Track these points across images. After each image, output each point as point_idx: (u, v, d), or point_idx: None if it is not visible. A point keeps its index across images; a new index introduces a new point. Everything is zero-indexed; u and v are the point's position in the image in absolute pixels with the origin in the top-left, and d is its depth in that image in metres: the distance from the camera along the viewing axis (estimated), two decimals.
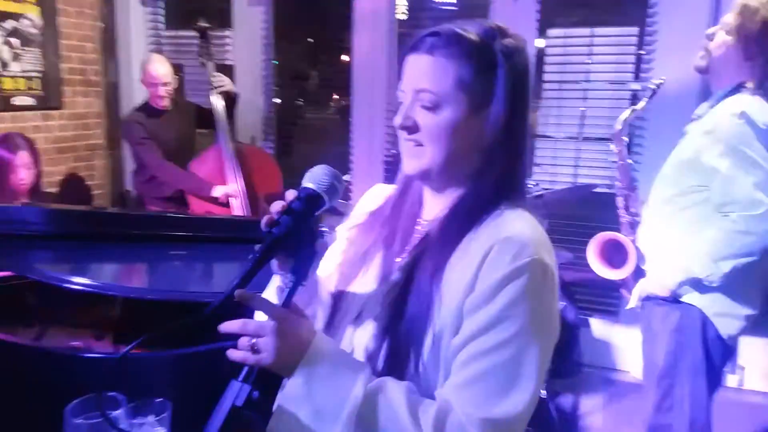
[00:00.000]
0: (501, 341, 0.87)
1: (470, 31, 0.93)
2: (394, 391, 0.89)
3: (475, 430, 0.84)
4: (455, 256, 0.93)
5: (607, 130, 3.07)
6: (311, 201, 0.94)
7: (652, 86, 2.22)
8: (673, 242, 1.95)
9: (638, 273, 2.14)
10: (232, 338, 0.91)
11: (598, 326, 3.45)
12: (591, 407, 3.05)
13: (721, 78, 1.92)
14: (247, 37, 4.08)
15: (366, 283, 1.04)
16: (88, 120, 4.17)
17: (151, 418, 0.99)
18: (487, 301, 0.88)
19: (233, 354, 0.89)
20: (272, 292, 1.06)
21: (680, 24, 3.09)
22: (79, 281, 1.64)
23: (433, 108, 0.93)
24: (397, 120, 0.96)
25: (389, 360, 0.95)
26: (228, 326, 0.89)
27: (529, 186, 3.27)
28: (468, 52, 0.92)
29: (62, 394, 1.01)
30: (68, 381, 1.68)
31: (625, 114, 2.31)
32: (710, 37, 1.92)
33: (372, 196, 1.16)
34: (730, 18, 1.88)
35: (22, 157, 2.94)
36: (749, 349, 3.12)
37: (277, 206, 0.94)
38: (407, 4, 3.86)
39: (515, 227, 0.92)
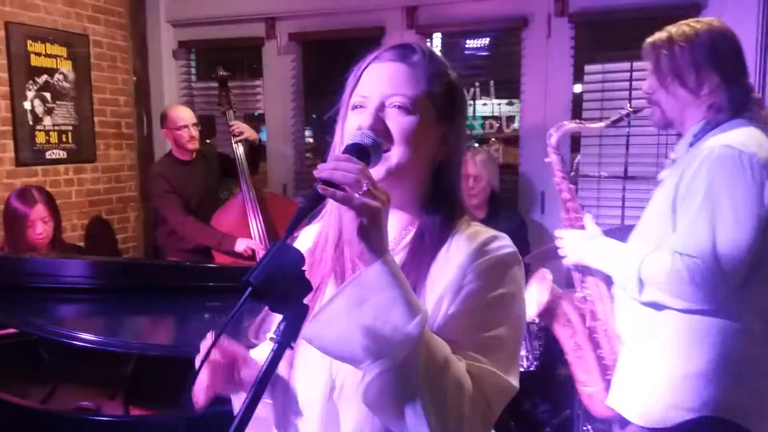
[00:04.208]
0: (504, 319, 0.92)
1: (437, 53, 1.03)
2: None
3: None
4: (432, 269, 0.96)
5: (654, 168, 2.91)
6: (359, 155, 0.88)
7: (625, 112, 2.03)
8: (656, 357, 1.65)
9: None
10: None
11: None
12: None
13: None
14: (277, 87, 4.07)
15: None
16: (121, 173, 4.18)
17: None
18: (489, 278, 0.92)
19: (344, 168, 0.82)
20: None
21: None
22: (83, 337, 1.53)
23: (406, 111, 0.95)
24: (365, 122, 0.95)
25: None
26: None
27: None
28: (437, 71, 0.99)
29: None
30: None
31: (569, 124, 2.18)
32: (650, 93, 1.75)
33: (304, 238, 1.12)
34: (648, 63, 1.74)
35: (38, 211, 2.87)
36: None
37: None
38: (440, 48, 3.80)
39: (492, 232, 0.98)
